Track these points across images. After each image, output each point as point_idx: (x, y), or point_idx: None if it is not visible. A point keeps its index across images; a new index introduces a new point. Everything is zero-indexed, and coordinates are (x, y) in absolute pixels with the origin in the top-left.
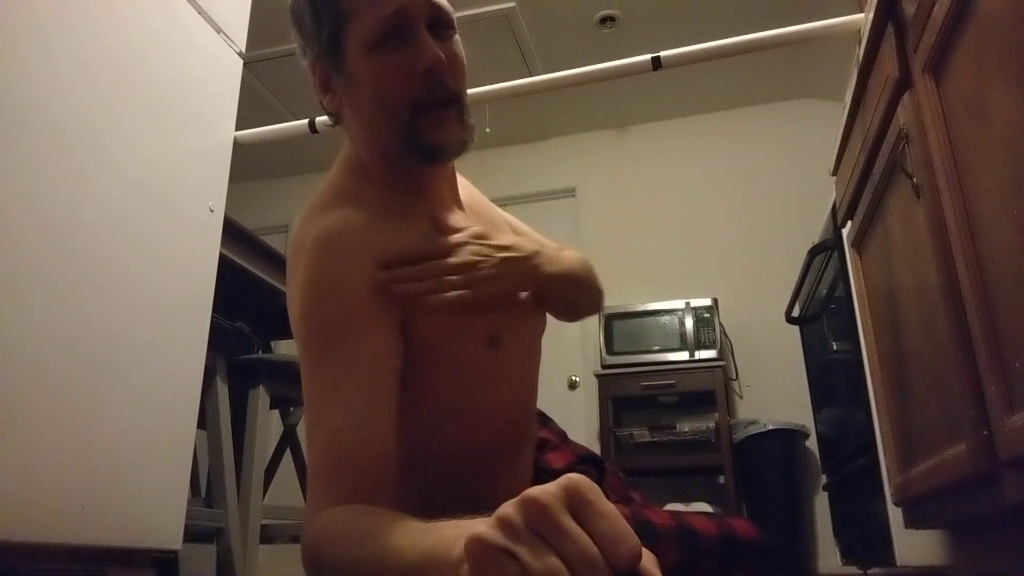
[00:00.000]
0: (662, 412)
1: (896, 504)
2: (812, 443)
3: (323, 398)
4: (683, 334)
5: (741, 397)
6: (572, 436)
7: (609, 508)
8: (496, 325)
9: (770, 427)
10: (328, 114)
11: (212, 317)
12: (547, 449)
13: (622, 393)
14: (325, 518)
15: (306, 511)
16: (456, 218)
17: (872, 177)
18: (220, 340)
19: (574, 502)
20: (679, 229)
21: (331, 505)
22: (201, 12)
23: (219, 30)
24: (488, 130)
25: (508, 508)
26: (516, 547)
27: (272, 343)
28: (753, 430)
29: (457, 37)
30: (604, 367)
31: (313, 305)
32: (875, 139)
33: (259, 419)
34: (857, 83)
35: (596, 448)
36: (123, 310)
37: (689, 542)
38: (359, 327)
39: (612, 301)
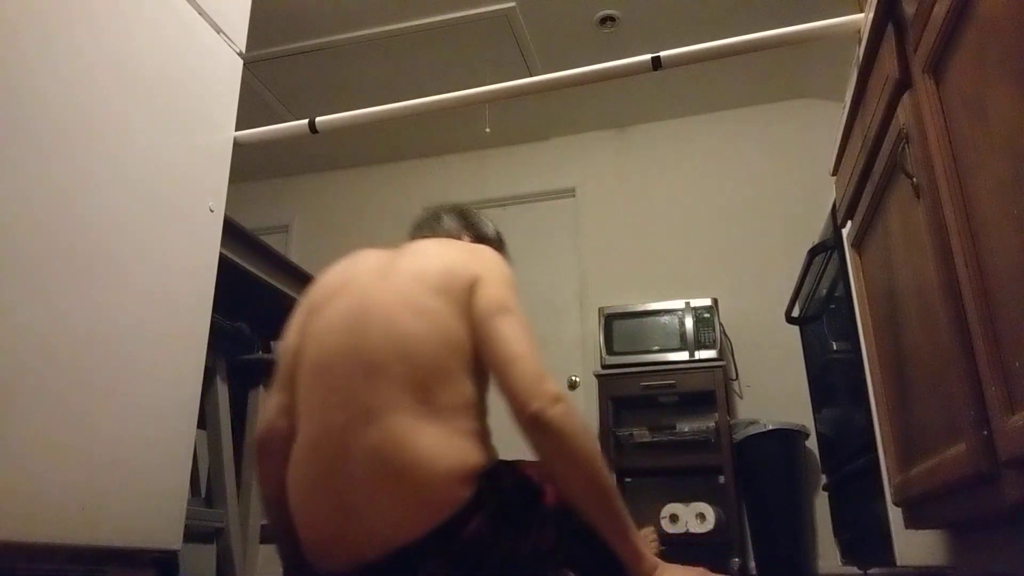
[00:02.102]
0: (662, 412)
1: (896, 504)
2: (812, 443)
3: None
4: (683, 334)
5: (741, 397)
6: None
7: None
8: None
9: (770, 427)
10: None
11: (212, 317)
12: None
13: (622, 393)
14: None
15: (538, 368)
16: None
17: (872, 177)
18: (220, 340)
19: None
20: (679, 229)
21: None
22: (201, 12)
23: (219, 30)
24: (488, 130)
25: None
26: None
27: (272, 343)
28: (753, 430)
29: None
30: (604, 367)
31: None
32: (875, 139)
33: (259, 419)
34: (857, 83)
35: None
36: (123, 310)
37: None
38: None
39: (612, 301)
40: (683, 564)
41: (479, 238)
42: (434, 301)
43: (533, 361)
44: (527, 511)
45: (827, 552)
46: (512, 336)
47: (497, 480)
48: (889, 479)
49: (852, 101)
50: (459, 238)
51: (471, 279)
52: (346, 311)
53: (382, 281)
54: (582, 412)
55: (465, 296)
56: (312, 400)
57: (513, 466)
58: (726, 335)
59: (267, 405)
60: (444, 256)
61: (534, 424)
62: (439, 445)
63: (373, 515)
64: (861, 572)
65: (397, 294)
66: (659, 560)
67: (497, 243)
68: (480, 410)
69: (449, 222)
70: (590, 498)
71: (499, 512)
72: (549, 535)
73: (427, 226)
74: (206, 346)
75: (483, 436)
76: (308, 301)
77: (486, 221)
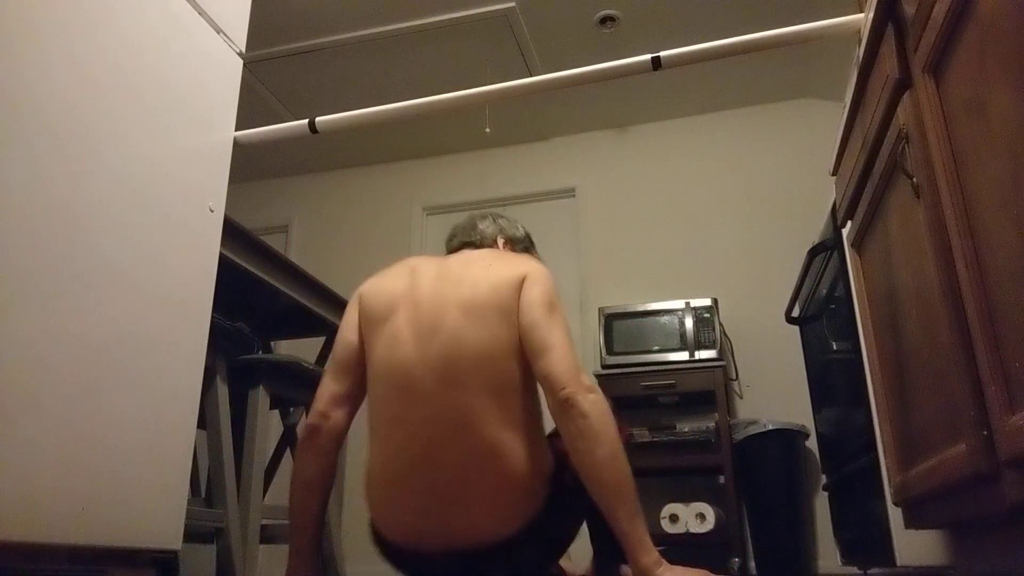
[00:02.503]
0: (662, 412)
1: (896, 504)
2: (812, 443)
3: (567, 329)
4: (683, 334)
5: (741, 397)
6: None
7: None
8: None
9: (770, 427)
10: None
11: (212, 317)
12: None
13: (622, 393)
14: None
15: (576, 361)
16: None
17: (872, 177)
18: (220, 340)
19: None
20: (679, 229)
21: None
22: (201, 12)
23: (219, 30)
24: (488, 130)
25: None
26: None
27: (272, 343)
28: (753, 430)
29: None
30: (604, 367)
31: (555, 288)
32: (875, 139)
33: (259, 419)
34: (857, 83)
35: None
36: (123, 310)
37: None
38: None
39: (612, 301)
40: (684, 565)
41: (511, 240)
42: (492, 312)
43: (571, 353)
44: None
45: (827, 552)
46: (554, 328)
47: (565, 481)
48: (889, 479)
49: (852, 101)
50: (495, 242)
51: (518, 280)
52: (416, 323)
53: (443, 292)
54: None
55: (515, 300)
56: (392, 409)
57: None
58: (726, 335)
59: (320, 393)
60: (493, 266)
61: (566, 405)
62: (523, 451)
63: (471, 514)
64: (861, 572)
65: (460, 306)
66: (663, 559)
67: (528, 243)
68: (540, 411)
69: (484, 227)
70: (609, 482)
71: (573, 510)
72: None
73: (465, 234)
74: (206, 346)
75: (544, 436)
76: (368, 304)
77: (516, 224)
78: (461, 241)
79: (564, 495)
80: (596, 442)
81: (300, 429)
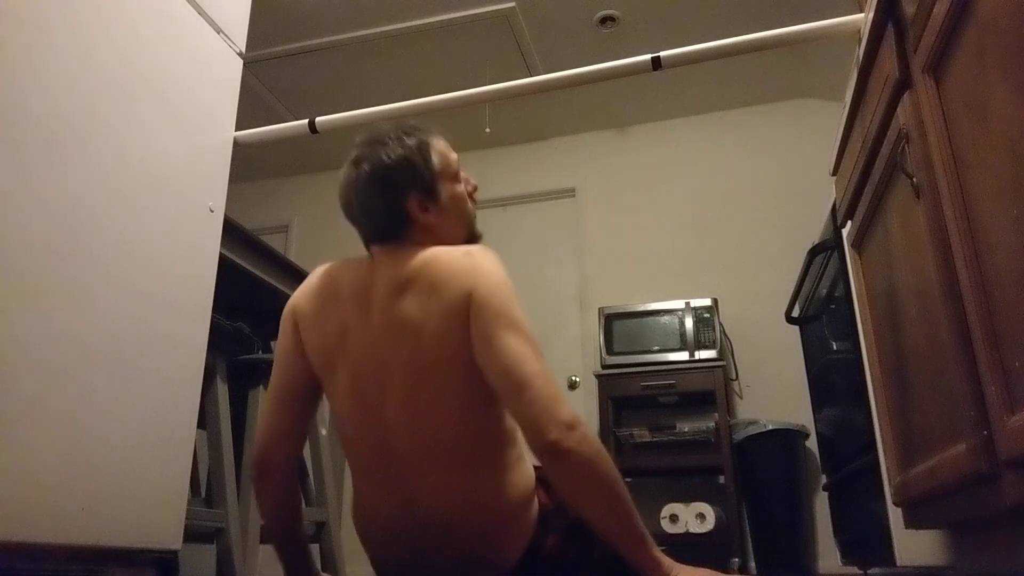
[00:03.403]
0: (662, 412)
1: (896, 504)
2: (812, 443)
3: (536, 348)
4: (683, 334)
5: (741, 397)
6: None
7: None
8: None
9: (770, 427)
10: (422, 224)
11: (212, 317)
12: None
13: (622, 393)
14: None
15: (551, 391)
16: None
17: (872, 177)
18: (220, 340)
19: None
20: (679, 229)
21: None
22: (201, 12)
23: (219, 30)
24: (488, 130)
25: None
26: None
27: (272, 343)
28: (753, 430)
29: None
30: (604, 367)
31: (512, 293)
32: (875, 139)
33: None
34: (857, 83)
35: None
36: (123, 310)
37: None
38: None
39: (612, 301)
40: (689, 564)
41: (422, 191)
42: (442, 368)
43: (545, 383)
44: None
45: (827, 552)
46: (520, 356)
47: (560, 502)
48: (889, 479)
49: (852, 101)
50: (408, 215)
51: (464, 306)
52: (360, 395)
53: (380, 352)
54: (584, 413)
55: (465, 334)
56: (361, 464)
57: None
58: (726, 335)
59: (260, 427)
60: (432, 295)
61: (552, 454)
62: (503, 485)
63: (464, 553)
64: (861, 572)
65: (404, 370)
66: (673, 563)
67: (423, 160)
68: (513, 430)
69: (377, 200)
70: (610, 520)
71: (568, 529)
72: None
73: (366, 218)
74: (206, 346)
75: (523, 454)
76: (308, 343)
77: (403, 140)
78: (368, 233)
79: (557, 513)
80: (593, 490)
81: (247, 461)
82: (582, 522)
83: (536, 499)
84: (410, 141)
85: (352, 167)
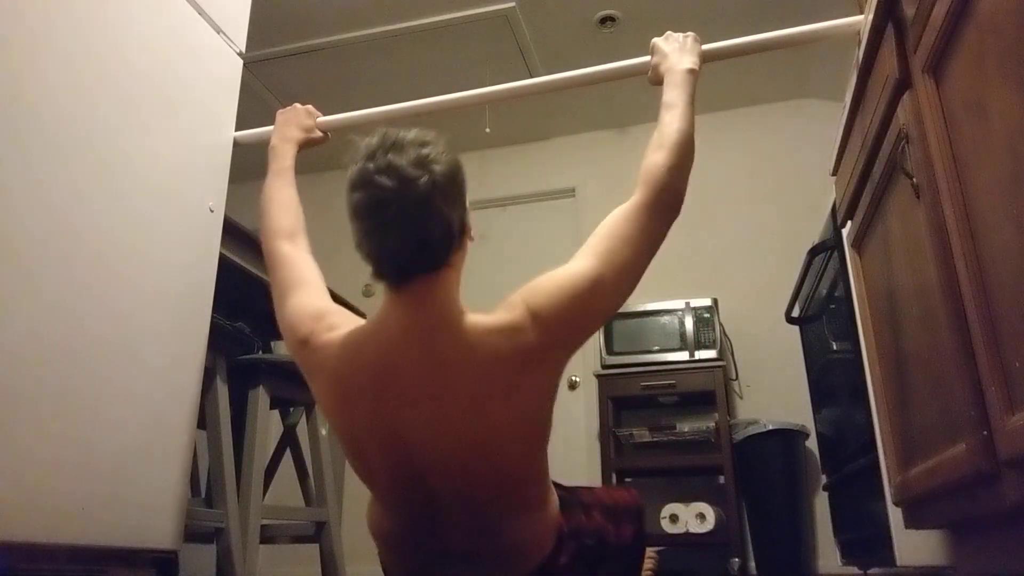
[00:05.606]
0: (662, 412)
1: (896, 504)
2: (812, 443)
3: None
4: (683, 334)
5: (741, 397)
6: (572, 437)
7: None
8: None
9: (770, 427)
10: (449, 265)
11: (212, 317)
12: None
13: (622, 393)
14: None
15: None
16: None
17: (872, 177)
18: (220, 340)
19: None
20: (679, 229)
21: None
22: (201, 12)
23: (219, 30)
24: (488, 130)
25: None
26: None
27: (272, 343)
28: (753, 430)
29: None
30: (604, 367)
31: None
32: (875, 139)
33: (259, 419)
34: (857, 83)
35: (596, 448)
36: (123, 310)
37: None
38: None
39: None
40: (689, 565)
41: (464, 225)
42: (487, 419)
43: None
44: (599, 550)
45: (827, 552)
46: (612, 216)
47: (575, 527)
48: (889, 479)
49: (852, 101)
50: (446, 259)
51: (523, 358)
52: (400, 474)
53: (425, 427)
54: (584, 413)
55: (521, 378)
56: (382, 492)
57: (577, 498)
58: (726, 335)
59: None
60: (485, 398)
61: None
62: (539, 521)
63: (485, 571)
64: (861, 572)
65: (449, 439)
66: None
67: (456, 181)
68: (546, 464)
69: (410, 231)
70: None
71: (579, 553)
72: (617, 568)
73: (391, 257)
74: (206, 346)
75: (551, 484)
76: (332, 422)
77: (422, 143)
78: (393, 276)
79: (580, 541)
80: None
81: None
82: (593, 548)
83: (556, 531)
84: (441, 145)
85: (386, 177)
